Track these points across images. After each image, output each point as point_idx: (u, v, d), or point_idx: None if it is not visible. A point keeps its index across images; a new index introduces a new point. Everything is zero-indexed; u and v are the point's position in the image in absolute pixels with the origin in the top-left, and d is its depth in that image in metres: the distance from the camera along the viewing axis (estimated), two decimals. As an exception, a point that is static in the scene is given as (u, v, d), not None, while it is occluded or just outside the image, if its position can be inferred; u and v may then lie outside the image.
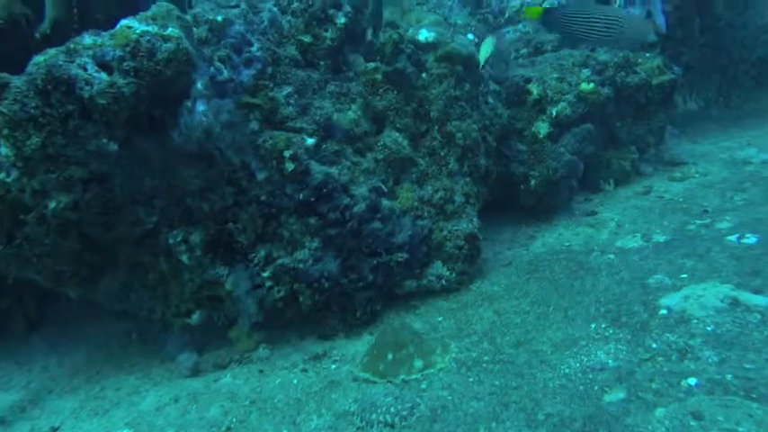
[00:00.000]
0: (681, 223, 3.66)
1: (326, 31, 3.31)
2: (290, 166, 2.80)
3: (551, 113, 4.29)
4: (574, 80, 4.43)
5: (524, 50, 5.63)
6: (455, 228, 3.36)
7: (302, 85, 3.03)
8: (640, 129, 4.76)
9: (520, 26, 5.87)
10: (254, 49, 2.86)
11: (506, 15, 5.96)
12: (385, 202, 3.18)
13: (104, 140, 2.12)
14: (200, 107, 2.29)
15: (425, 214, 3.32)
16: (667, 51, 5.29)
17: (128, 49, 2.10)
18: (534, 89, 4.29)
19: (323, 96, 3.15)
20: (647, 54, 4.90)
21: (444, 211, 3.39)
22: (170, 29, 2.23)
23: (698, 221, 3.62)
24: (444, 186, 3.43)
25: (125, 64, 2.08)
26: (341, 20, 3.37)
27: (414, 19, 3.89)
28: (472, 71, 3.81)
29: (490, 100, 3.95)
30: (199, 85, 2.31)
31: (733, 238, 3.19)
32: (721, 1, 5.58)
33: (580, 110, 4.34)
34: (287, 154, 2.81)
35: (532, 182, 4.14)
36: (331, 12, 3.34)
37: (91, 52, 2.09)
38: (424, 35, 3.59)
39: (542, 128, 4.30)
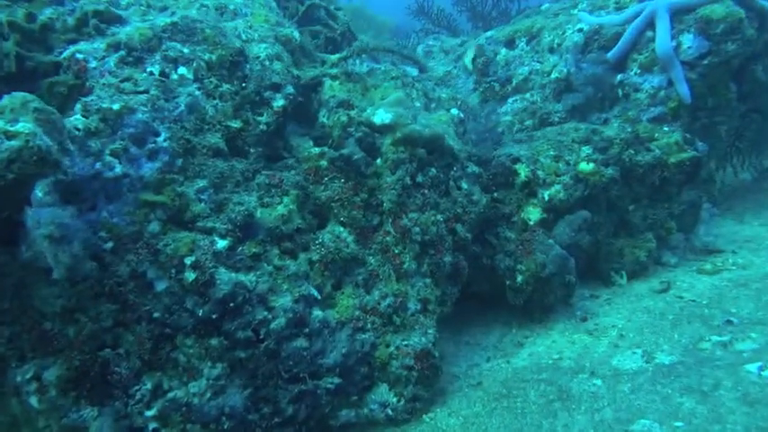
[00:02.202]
0: (694, 338, 2.93)
1: (261, 115, 2.98)
2: (190, 276, 2.38)
3: (543, 197, 3.73)
4: (573, 159, 3.87)
5: (529, 122, 5.14)
6: (404, 343, 2.80)
7: (220, 178, 2.66)
8: (659, 213, 4.08)
9: (527, 95, 5.40)
10: (160, 139, 2.54)
11: (513, 84, 5.53)
12: (316, 313, 2.69)
13: None
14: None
15: (368, 326, 2.79)
16: (699, 122, 4.63)
17: (-50, 152, 1.81)
18: (522, 171, 3.76)
19: (249, 189, 2.77)
20: (665, 128, 4.28)
21: (392, 321, 2.85)
22: (20, 124, 1.93)
23: (715, 338, 2.88)
24: (395, 291, 2.91)
25: (-56, 170, 1.80)
26: (279, 102, 3.03)
27: (378, 96, 3.52)
28: (441, 154, 3.36)
29: (464, 185, 3.45)
30: (38, 192, 1.98)
31: (753, 368, 2.46)
32: (762, 66, 4.89)
33: (578, 193, 3.75)
34: (188, 261, 2.41)
35: (519, 278, 3.53)
36: (267, 94, 3.02)
37: None
38: (381, 116, 3.19)
39: (533, 213, 3.73)
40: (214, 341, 2.37)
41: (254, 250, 2.60)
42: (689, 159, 4.00)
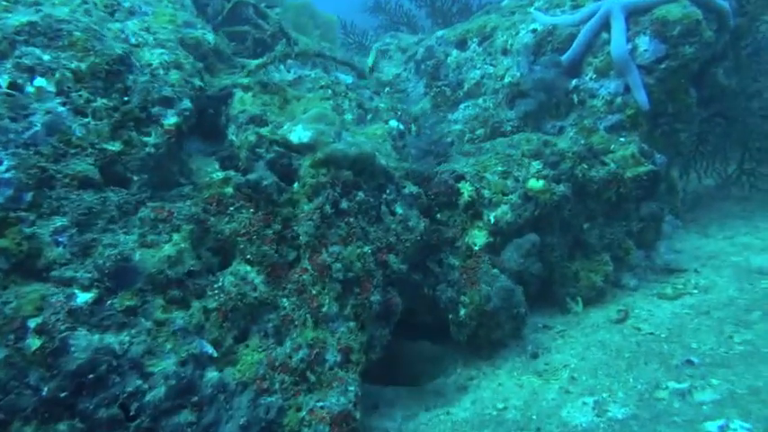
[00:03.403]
0: (651, 384, 2.59)
1: (148, 134, 2.50)
2: (34, 343, 1.90)
3: (489, 219, 3.34)
4: (522, 175, 3.50)
5: (480, 131, 4.77)
6: (320, 404, 2.37)
7: (87, 214, 2.18)
8: (616, 232, 3.75)
9: (480, 101, 5.04)
10: (1, 169, 2.04)
11: (465, 88, 5.15)
12: (210, 375, 2.23)
13: None
14: None
15: (276, 386, 2.35)
16: (660, 129, 4.32)
17: None
18: (465, 190, 3.37)
19: (128, 226, 2.29)
20: (621, 139, 3.96)
21: (306, 378, 2.41)
22: None
23: (673, 384, 2.54)
24: (310, 340, 2.47)
25: None
26: (170, 120, 2.56)
27: (300, 110, 3.08)
28: (372, 175, 2.95)
29: (399, 209, 3.03)
30: None
31: (714, 427, 2.12)
32: (723, 69, 4.61)
33: (528, 213, 3.38)
34: (33, 323, 1.93)
35: (462, 311, 3.14)
36: (156, 110, 2.54)
37: None
38: (298, 134, 2.75)
39: (478, 237, 3.35)
40: (63, 426, 1.89)
41: (128, 303, 2.13)
42: (646, 173, 3.68)
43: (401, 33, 8.65)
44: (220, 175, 2.62)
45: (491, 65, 5.10)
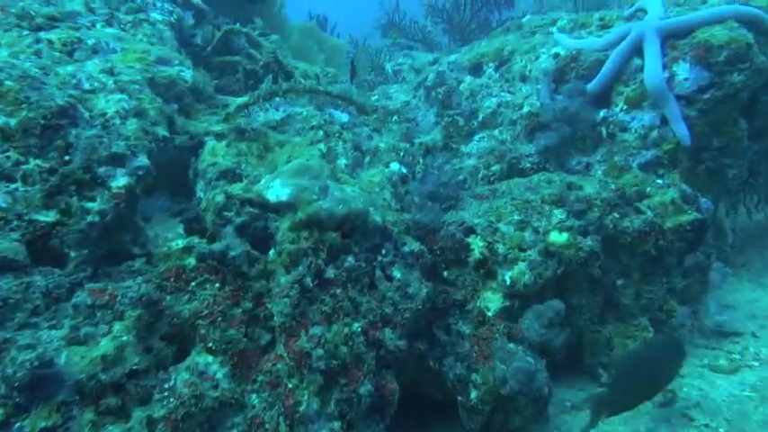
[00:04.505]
0: None
1: (92, 200, 2.10)
2: None
3: (504, 280, 2.86)
4: (542, 226, 3.01)
5: (496, 167, 4.29)
6: None
7: (1, 307, 1.78)
8: (656, 290, 3.21)
9: (496, 132, 4.57)
10: None
11: (480, 118, 4.69)
12: (152, 505, 1.80)
13: None
14: None
15: None
16: (703, 165, 3.76)
17: None
18: (476, 245, 2.90)
19: (58, 317, 1.89)
20: (659, 180, 3.44)
21: (275, 502, 1.96)
22: None
23: None
24: (282, 452, 2.02)
25: None
26: (120, 181, 2.16)
27: (284, 158, 2.66)
28: (364, 234, 2.51)
29: (397, 273, 2.58)
30: None
31: None
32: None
33: (549, 272, 2.88)
34: None
35: (473, 394, 2.65)
36: (102, 170, 2.14)
37: None
38: (276, 191, 2.32)
39: (492, 301, 2.86)
40: None
41: (42, 424, 1.71)
42: (689, 223, 3.15)
43: (415, 52, 8.23)
44: (181, 243, 2.20)
45: (509, 92, 4.64)
